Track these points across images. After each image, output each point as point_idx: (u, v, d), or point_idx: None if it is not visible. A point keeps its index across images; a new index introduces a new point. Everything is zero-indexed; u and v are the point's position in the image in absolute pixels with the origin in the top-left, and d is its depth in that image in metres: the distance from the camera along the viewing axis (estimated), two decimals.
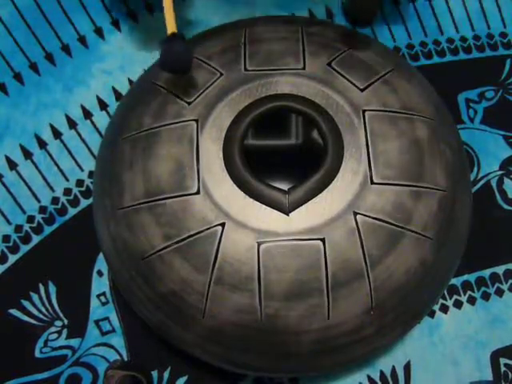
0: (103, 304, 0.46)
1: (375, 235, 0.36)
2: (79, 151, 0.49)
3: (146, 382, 0.42)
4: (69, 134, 0.50)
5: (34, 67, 0.51)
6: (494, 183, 0.49)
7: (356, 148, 0.37)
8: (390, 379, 0.45)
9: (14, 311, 0.46)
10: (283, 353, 0.37)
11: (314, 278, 0.35)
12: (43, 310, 0.46)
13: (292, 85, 0.38)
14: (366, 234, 0.35)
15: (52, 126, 0.50)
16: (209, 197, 0.36)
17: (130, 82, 0.51)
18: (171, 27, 0.38)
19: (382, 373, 0.45)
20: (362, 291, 0.36)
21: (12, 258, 0.47)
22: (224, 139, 0.37)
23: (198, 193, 0.36)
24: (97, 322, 0.46)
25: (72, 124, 0.50)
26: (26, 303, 0.46)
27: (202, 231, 0.36)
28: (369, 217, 0.36)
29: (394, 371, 0.45)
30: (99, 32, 0.52)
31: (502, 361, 0.45)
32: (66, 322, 0.46)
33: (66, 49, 0.52)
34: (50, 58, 0.51)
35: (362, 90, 0.38)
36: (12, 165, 0.49)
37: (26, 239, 0.47)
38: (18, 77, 0.51)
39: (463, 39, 0.53)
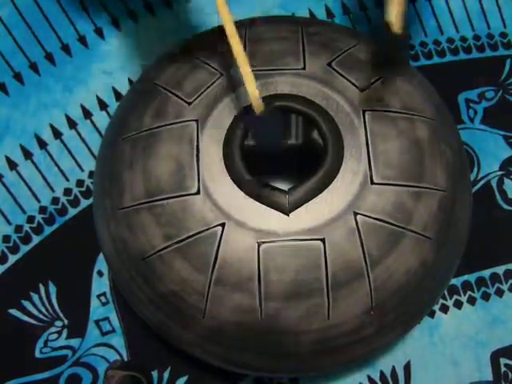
0: (103, 304, 0.46)
1: (375, 235, 0.36)
2: (79, 151, 0.49)
3: (146, 382, 0.42)
4: (69, 134, 0.50)
5: (33, 67, 0.51)
6: (494, 183, 0.49)
7: (356, 148, 0.37)
8: (389, 379, 0.45)
9: (13, 311, 0.46)
10: (283, 353, 0.37)
11: (314, 278, 0.35)
12: (43, 310, 0.46)
13: (292, 85, 0.38)
14: (366, 234, 0.35)
15: (52, 126, 0.50)
16: (209, 197, 0.36)
17: (130, 81, 0.51)
18: (257, 104, 0.33)
19: (381, 373, 0.45)
20: (362, 291, 0.36)
21: (12, 259, 0.47)
22: (224, 139, 0.37)
23: (198, 193, 0.36)
24: (97, 322, 0.46)
25: (72, 124, 0.50)
26: (26, 303, 0.46)
27: (202, 231, 0.36)
28: (369, 217, 0.36)
29: (393, 371, 0.45)
30: (99, 32, 0.52)
31: (502, 361, 0.45)
32: (66, 322, 0.46)
33: (65, 49, 0.52)
34: (50, 58, 0.51)
35: (362, 90, 0.38)
36: (12, 165, 0.49)
37: (26, 239, 0.47)
38: (17, 77, 0.51)
39: (463, 39, 0.53)
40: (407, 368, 0.45)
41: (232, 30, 0.34)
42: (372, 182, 0.36)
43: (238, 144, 0.37)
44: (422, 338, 0.46)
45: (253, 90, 0.33)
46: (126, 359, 0.45)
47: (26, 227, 0.48)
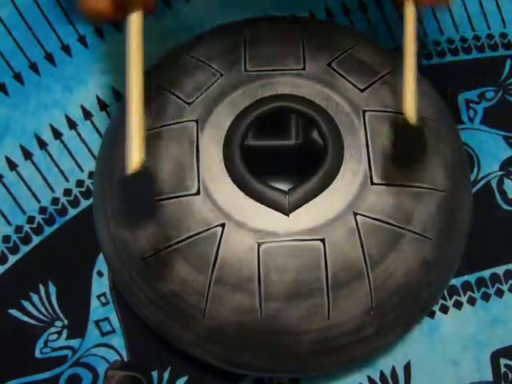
0: (103, 304, 0.46)
1: (375, 235, 0.36)
2: (79, 151, 0.49)
3: (146, 382, 0.42)
4: (69, 134, 0.50)
5: (33, 67, 0.51)
6: (494, 184, 0.49)
7: (356, 148, 0.37)
8: (389, 379, 0.45)
9: (13, 311, 0.46)
10: (283, 353, 0.37)
11: (314, 278, 0.35)
12: (43, 310, 0.46)
13: (292, 85, 0.38)
14: (366, 235, 0.35)
15: (52, 127, 0.50)
16: (209, 197, 0.36)
17: None
18: (137, 156, 0.29)
19: (381, 373, 0.45)
20: (362, 291, 0.36)
21: (12, 259, 0.47)
22: (224, 140, 0.37)
23: (198, 193, 0.36)
24: (97, 323, 0.46)
25: (72, 124, 0.50)
26: (26, 303, 0.46)
27: (201, 232, 0.36)
28: (369, 217, 0.36)
29: (393, 371, 0.45)
30: (99, 32, 0.52)
31: (502, 361, 0.45)
32: (66, 322, 0.46)
33: (65, 49, 0.52)
34: (50, 58, 0.51)
35: (362, 91, 0.38)
36: (12, 165, 0.49)
37: (26, 240, 0.47)
38: (17, 77, 0.51)
39: (463, 39, 0.53)
40: (407, 368, 0.45)
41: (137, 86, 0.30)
42: (372, 183, 0.36)
43: (237, 144, 0.37)
44: (422, 339, 0.46)
45: (135, 148, 0.29)
46: (126, 359, 0.45)
47: (26, 227, 0.48)
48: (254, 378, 0.45)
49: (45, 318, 0.46)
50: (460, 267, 0.42)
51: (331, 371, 0.44)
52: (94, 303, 0.46)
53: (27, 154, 0.49)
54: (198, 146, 0.37)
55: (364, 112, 0.38)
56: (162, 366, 0.45)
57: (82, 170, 0.49)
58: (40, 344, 0.45)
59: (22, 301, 0.46)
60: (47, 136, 0.50)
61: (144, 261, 0.37)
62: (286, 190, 0.36)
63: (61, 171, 0.49)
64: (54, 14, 0.52)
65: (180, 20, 0.53)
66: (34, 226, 0.48)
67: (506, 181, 0.50)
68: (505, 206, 0.49)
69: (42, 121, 0.50)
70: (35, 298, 0.46)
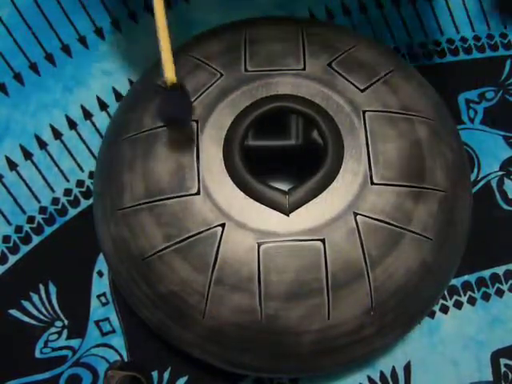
0: (103, 304, 0.46)
1: (375, 236, 0.36)
2: (79, 152, 0.49)
3: (146, 382, 0.42)
4: (69, 134, 0.50)
5: (33, 67, 0.51)
6: (494, 184, 0.49)
7: (356, 148, 0.37)
8: (390, 379, 0.45)
9: (14, 311, 0.46)
10: (283, 353, 0.37)
11: (314, 278, 0.35)
12: (43, 310, 0.46)
13: (292, 85, 0.38)
14: (366, 235, 0.35)
15: (52, 127, 0.50)
16: (209, 197, 0.36)
17: (130, 82, 0.51)
18: (171, 76, 0.34)
19: (381, 373, 0.45)
20: (362, 291, 0.36)
21: (12, 259, 0.47)
22: (224, 140, 0.37)
23: (198, 193, 0.36)
24: (97, 323, 0.46)
25: (72, 124, 0.50)
26: (26, 303, 0.46)
27: (202, 232, 0.36)
28: (369, 217, 0.36)
29: (394, 371, 0.45)
30: (99, 32, 0.52)
31: (503, 361, 0.45)
32: (66, 322, 0.46)
33: (65, 49, 0.52)
34: (49, 58, 0.51)
35: (362, 91, 0.38)
36: (12, 165, 0.49)
37: (26, 240, 0.47)
38: (18, 77, 0.51)
39: (463, 39, 0.53)
40: (407, 368, 0.45)
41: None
42: (372, 183, 0.36)
43: (237, 144, 0.37)
44: (422, 339, 0.46)
45: (168, 58, 0.34)
46: (126, 359, 0.45)
47: (26, 227, 0.48)
48: (254, 378, 0.45)
49: (45, 318, 0.46)
50: (460, 267, 0.42)
51: (331, 371, 0.44)
52: (94, 303, 0.46)
53: (27, 154, 0.49)
54: (198, 145, 0.37)
55: (364, 112, 0.38)
56: (162, 366, 0.45)
57: (82, 170, 0.49)
58: (40, 344, 0.45)
59: (22, 301, 0.46)
60: (47, 136, 0.50)
61: (144, 261, 0.37)
62: (286, 189, 0.36)
63: (61, 171, 0.49)
64: (54, 14, 0.52)
65: (180, 20, 0.53)
66: (34, 225, 0.48)
67: (506, 181, 0.50)
68: (505, 206, 0.49)
69: (42, 121, 0.50)
70: (35, 297, 0.46)
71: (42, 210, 0.48)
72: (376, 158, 0.37)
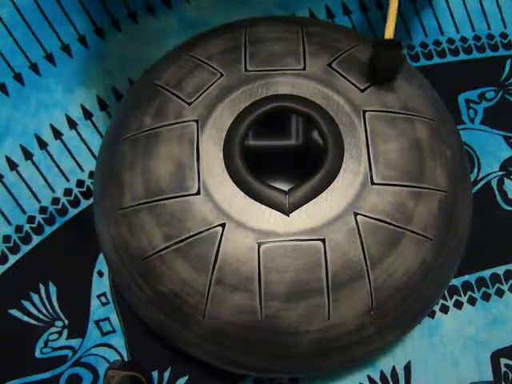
0: (103, 304, 0.46)
1: (375, 235, 0.36)
2: (79, 151, 0.49)
3: (146, 382, 0.42)
4: (69, 134, 0.50)
5: (34, 67, 0.51)
6: (494, 184, 0.49)
7: (356, 148, 0.37)
8: (390, 379, 0.45)
9: (14, 311, 0.46)
10: (283, 353, 0.37)
11: (314, 278, 0.35)
12: (43, 310, 0.46)
13: (292, 85, 0.38)
14: (366, 235, 0.35)
15: (52, 127, 0.50)
16: (209, 197, 0.36)
17: (130, 82, 0.51)
18: (390, 32, 0.37)
19: (382, 373, 0.45)
20: (362, 291, 0.36)
21: (12, 259, 0.47)
22: (224, 140, 0.37)
23: (198, 193, 0.36)
24: (97, 323, 0.46)
25: (72, 124, 0.50)
26: (26, 303, 0.46)
27: (202, 232, 0.36)
28: (369, 217, 0.36)
29: (394, 371, 0.45)
30: (99, 32, 0.52)
31: (503, 361, 0.45)
32: (66, 322, 0.46)
33: (66, 49, 0.52)
34: (50, 58, 0.51)
35: (362, 91, 0.38)
36: (12, 165, 0.49)
37: (26, 239, 0.47)
38: (18, 77, 0.51)
39: (464, 39, 0.53)
40: (407, 368, 0.45)
41: None
42: (372, 183, 0.36)
43: (237, 144, 0.37)
44: (423, 339, 0.46)
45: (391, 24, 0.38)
46: (126, 359, 0.45)
47: (27, 227, 0.48)
48: (254, 378, 0.45)
49: (45, 318, 0.46)
50: (460, 267, 0.42)
51: (331, 371, 0.44)
52: (94, 303, 0.46)
53: (27, 154, 0.49)
54: (198, 145, 0.37)
55: (364, 112, 0.38)
56: (161, 366, 0.45)
57: (83, 170, 0.49)
58: (40, 344, 0.45)
59: (23, 301, 0.46)
60: (47, 136, 0.50)
61: (144, 261, 0.37)
62: (286, 189, 0.36)
63: (61, 171, 0.49)
64: (54, 14, 0.52)
65: (180, 20, 0.53)
66: (35, 225, 0.48)
67: (506, 181, 0.50)
68: (505, 206, 0.49)
69: (42, 121, 0.50)
70: (35, 297, 0.46)
71: (42, 209, 0.48)
72: (376, 157, 0.37)
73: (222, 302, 0.36)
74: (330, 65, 0.39)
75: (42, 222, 0.48)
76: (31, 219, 0.48)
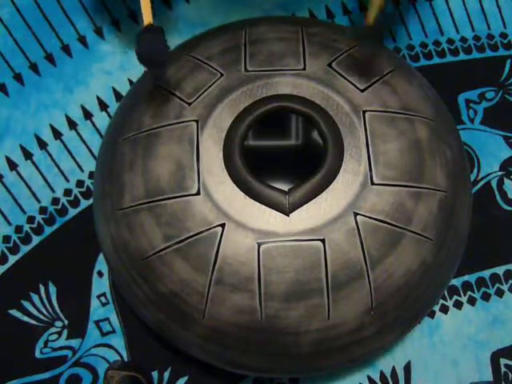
0: (103, 304, 0.46)
1: (375, 236, 0.36)
2: (79, 152, 0.49)
3: (146, 382, 0.42)
4: (69, 134, 0.50)
5: (34, 67, 0.51)
6: (494, 184, 0.49)
7: (356, 148, 0.37)
8: (390, 379, 0.45)
9: (14, 311, 0.46)
10: (283, 353, 0.37)
11: (314, 278, 0.35)
12: (43, 310, 0.46)
13: (292, 85, 0.38)
14: (366, 235, 0.35)
15: (52, 127, 0.50)
16: (209, 197, 0.36)
17: (131, 82, 0.51)
18: (148, 18, 0.37)
19: (381, 373, 0.45)
20: (362, 291, 0.36)
21: (12, 259, 0.47)
22: (224, 140, 0.37)
23: (198, 193, 0.36)
24: (97, 323, 0.46)
25: (72, 124, 0.50)
26: (26, 303, 0.46)
27: (202, 232, 0.36)
28: (369, 217, 0.36)
29: (394, 371, 0.45)
30: (99, 32, 0.52)
31: (502, 361, 0.45)
32: (66, 322, 0.46)
33: (66, 49, 0.52)
34: (50, 58, 0.51)
35: (362, 91, 0.38)
36: (12, 165, 0.49)
37: (26, 240, 0.47)
38: (18, 77, 0.51)
39: (463, 40, 0.53)
40: (407, 368, 0.45)
41: None
42: (372, 183, 0.36)
43: (237, 144, 0.37)
44: (422, 339, 0.46)
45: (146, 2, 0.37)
46: (126, 359, 0.45)
47: (26, 227, 0.48)
48: (254, 378, 0.45)
49: (45, 318, 0.46)
50: (460, 267, 0.42)
51: (331, 371, 0.44)
52: (94, 303, 0.46)
53: (27, 154, 0.49)
54: (198, 145, 0.37)
55: (364, 112, 0.38)
56: (162, 365, 0.45)
57: (82, 170, 0.49)
58: (40, 344, 0.45)
59: (22, 301, 0.46)
60: (47, 136, 0.50)
61: (144, 261, 0.37)
62: (286, 189, 0.36)
63: (61, 171, 0.49)
64: (54, 14, 0.52)
65: (180, 20, 0.53)
66: (34, 225, 0.48)
67: (506, 181, 0.50)
68: (505, 206, 0.49)
69: (42, 121, 0.50)
70: (35, 298, 0.46)
71: (42, 210, 0.48)
72: (376, 157, 0.37)
73: (222, 302, 0.36)
74: (329, 65, 0.39)
75: (41, 222, 0.48)
76: (31, 219, 0.48)
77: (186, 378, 0.45)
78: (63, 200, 0.48)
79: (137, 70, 0.51)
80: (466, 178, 0.41)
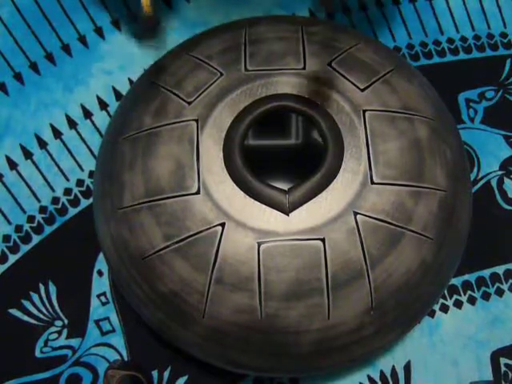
0: (103, 304, 0.46)
1: (375, 235, 0.36)
2: (79, 151, 0.49)
3: (146, 381, 0.42)
4: (69, 133, 0.50)
5: (34, 67, 0.51)
6: (494, 183, 0.49)
7: (356, 148, 0.37)
8: (389, 379, 0.45)
9: (13, 311, 0.46)
10: (283, 353, 0.37)
11: (314, 277, 0.35)
12: (43, 309, 0.46)
13: (292, 85, 0.38)
14: (366, 234, 0.35)
15: (52, 126, 0.50)
16: (209, 197, 0.36)
17: (130, 81, 0.51)
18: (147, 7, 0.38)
19: (381, 373, 0.45)
20: (362, 291, 0.36)
21: (12, 258, 0.47)
22: (224, 139, 0.37)
23: (198, 193, 0.36)
24: (97, 322, 0.46)
25: (72, 124, 0.50)
26: (26, 303, 0.46)
27: (202, 231, 0.36)
28: (369, 217, 0.36)
29: (394, 371, 0.45)
30: (99, 32, 0.52)
31: (503, 361, 0.45)
32: (66, 321, 0.46)
33: (66, 49, 0.52)
34: (50, 57, 0.52)
35: (362, 90, 0.38)
36: (12, 165, 0.49)
37: (26, 239, 0.47)
38: (18, 77, 0.51)
39: (463, 39, 0.53)
40: (407, 368, 0.45)
41: None
42: (372, 182, 0.36)
43: (237, 144, 0.37)
44: (422, 338, 0.46)
45: None
46: (126, 359, 0.45)
47: (26, 227, 0.48)
48: (254, 377, 0.45)
49: (45, 318, 0.46)
50: (460, 266, 0.42)
51: (331, 371, 0.44)
52: (94, 302, 0.46)
53: (27, 154, 0.49)
54: (198, 145, 0.37)
55: (364, 111, 0.38)
56: (161, 365, 0.45)
57: (82, 170, 0.49)
58: (40, 343, 0.45)
59: (22, 300, 0.46)
60: (47, 135, 0.50)
61: (144, 260, 0.37)
62: (286, 189, 0.36)
63: (61, 171, 0.49)
64: (54, 13, 0.52)
65: (180, 20, 0.53)
66: (34, 225, 0.48)
67: (506, 180, 0.50)
68: (505, 206, 0.49)
69: (42, 120, 0.50)
70: (35, 297, 0.46)
71: (42, 209, 0.48)
72: (376, 157, 0.37)
73: (222, 301, 0.36)
74: (329, 64, 0.39)
75: (41, 221, 0.48)
76: (31, 219, 0.48)
77: (185, 378, 0.45)
78: (63, 199, 0.48)
79: (137, 70, 0.51)
80: (466, 178, 0.41)
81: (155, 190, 0.37)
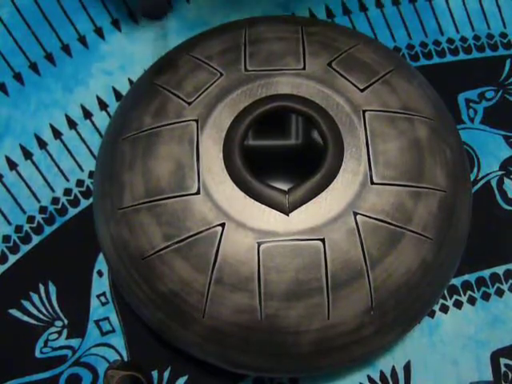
0: (103, 304, 0.46)
1: (375, 235, 0.36)
2: (79, 151, 0.49)
3: (146, 381, 0.42)
4: (69, 134, 0.50)
5: (34, 67, 0.51)
6: (494, 183, 0.49)
7: (356, 148, 0.37)
8: (389, 379, 0.45)
9: (13, 311, 0.46)
10: (283, 353, 0.37)
11: (313, 278, 0.35)
12: (43, 310, 0.46)
13: (292, 85, 0.38)
14: (365, 234, 0.35)
15: (52, 126, 0.50)
16: (209, 197, 0.36)
17: (130, 81, 0.51)
18: None
19: (381, 373, 0.45)
20: (362, 291, 0.36)
21: (12, 258, 0.47)
22: (224, 139, 0.37)
23: (198, 193, 0.36)
24: (97, 322, 0.46)
25: (72, 124, 0.50)
26: (26, 303, 0.46)
27: (202, 231, 0.36)
28: (369, 217, 0.36)
29: (394, 371, 0.45)
30: (99, 32, 0.52)
31: (502, 361, 0.45)
32: (66, 322, 0.46)
33: (66, 49, 0.52)
34: (50, 58, 0.51)
35: (362, 91, 0.38)
36: (12, 165, 0.49)
37: (26, 239, 0.47)
38: (18, 77, 0.51)
39: (463, 39, 0.53)
40: (407, 368, 0.45)
41: None
42: (372, 182, 0.36)
43: (237, 144, 0.37)
44: (422, 338, 0.46)
45: None
46: (125, 359, 0.45)
47: (26, 227, 0.48)
48: (254, 377, 0.45)
49: (45, 318, 0.46)
50: (460, 267, 0.42)
51: (331, 371, 0.44)
52: (94, 303, 0.46)
53: (27, 154, 0.49)
54: (198, 145, 0.37)
55: (364, 112, 0.38)
56: (161, 365, 0.45)
57: (82, 170, 0.49)
58: (40, 344, 0.45)
59: (22, 300, 0.46)
60: (47, 136, 0.50)
61: (144, 260, 0.37)
62: (286, 189, 0.36)
63: (61, 171, 0.49)
64: (54, 13, 0.52)
65: (180, 20, 0.53)
66: (34, 225, 0.48)
67: (506, 180, 0.50)
68: (505, 206, 0.49)
69: (41, 121, 0.50)
70: (35, 297, 0.46)
71: (42, 209, 0.48)
72: (376, 157, 0.37)
73: (222, 301, 0.36)
74: (329, 64, 0.39)
75: (41, 221, 0.48)
76: (31, 219, 0.48)
77: (185, 378, 0.45)
78: (63, 199, 0.48)
79: (137, 70, 0.51)
80: (466, 178, 0.41)
81: (155, 191, 0.37)
